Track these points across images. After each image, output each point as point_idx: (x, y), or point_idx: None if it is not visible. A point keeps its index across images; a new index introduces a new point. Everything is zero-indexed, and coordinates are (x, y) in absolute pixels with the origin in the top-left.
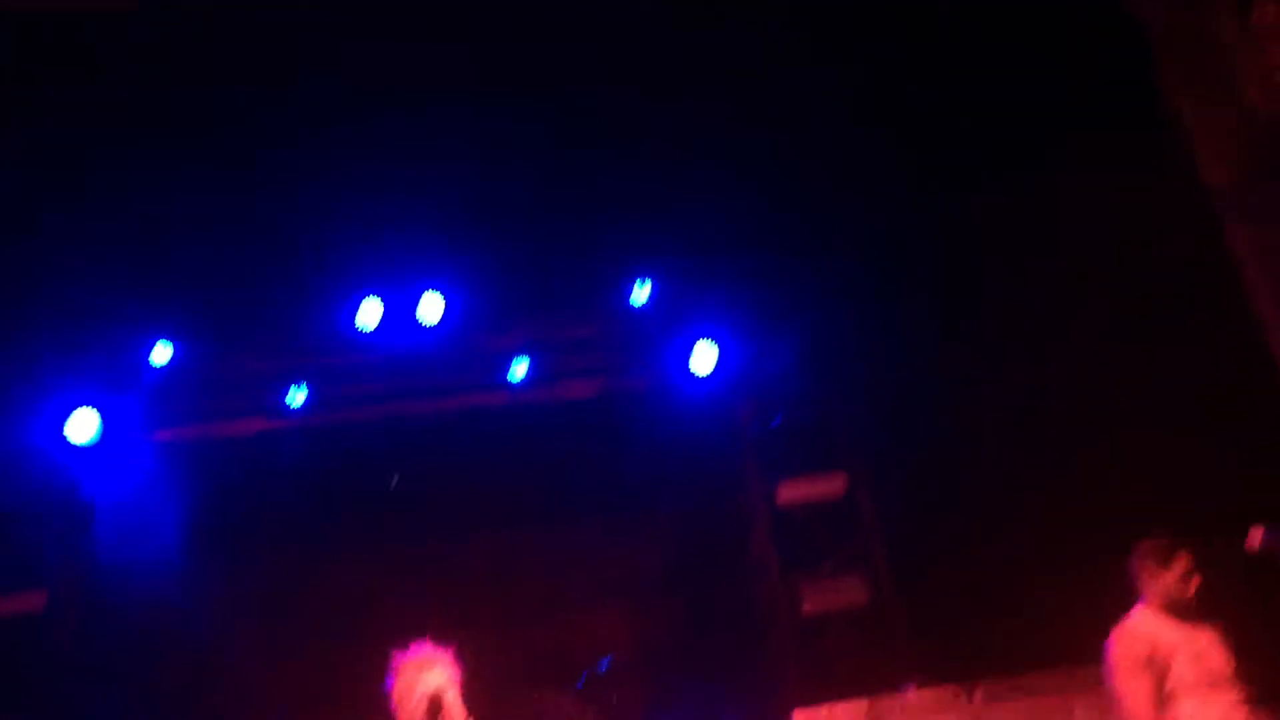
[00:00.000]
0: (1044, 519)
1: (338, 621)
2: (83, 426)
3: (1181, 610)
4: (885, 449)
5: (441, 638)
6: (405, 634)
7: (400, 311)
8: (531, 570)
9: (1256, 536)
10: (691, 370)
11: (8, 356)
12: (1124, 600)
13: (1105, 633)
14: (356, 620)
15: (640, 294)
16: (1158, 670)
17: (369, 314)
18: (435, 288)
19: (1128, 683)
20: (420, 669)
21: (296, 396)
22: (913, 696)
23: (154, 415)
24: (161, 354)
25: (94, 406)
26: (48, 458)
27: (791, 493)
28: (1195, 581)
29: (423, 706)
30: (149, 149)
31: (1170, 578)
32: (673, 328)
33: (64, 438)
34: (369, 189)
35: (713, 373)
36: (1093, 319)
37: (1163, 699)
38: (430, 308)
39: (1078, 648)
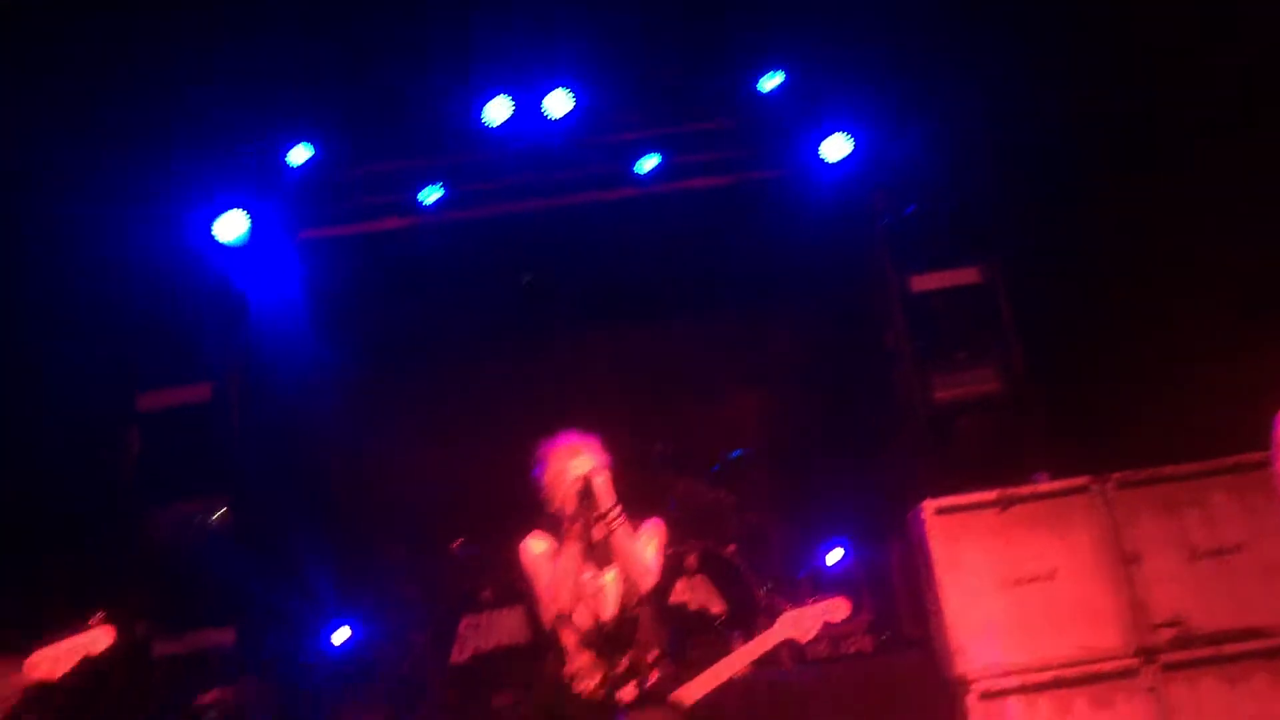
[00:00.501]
0: (1180, 315)
1: (481, 411)
2: (231, 226)
3: None
4: (1020, 239)
5: (585, 426)
6: (547, 422)
7: (529, 109)
8: (668, 359)
9: None
10: (823, 159)
11: (157, 160)
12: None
13: (1242, 429)
14: (499, 409)
15: (770, 82)
16: None
17: (497, 110)
18: (564, 83)
19: None
20: (569, 456)
21: (431, 194)
22: (1045, 485)
23: (298, 215)
24: (301, 155)
25: (241, 207)
26: (200, 258)
27: (926, 283)
28: None
29: (575, 489)
30: None
31: None
32: (804, 117)
33: (214, 238)
34: None
35: (845, 161)
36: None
37: None
38: (558, 103)
39: (1214, 442)
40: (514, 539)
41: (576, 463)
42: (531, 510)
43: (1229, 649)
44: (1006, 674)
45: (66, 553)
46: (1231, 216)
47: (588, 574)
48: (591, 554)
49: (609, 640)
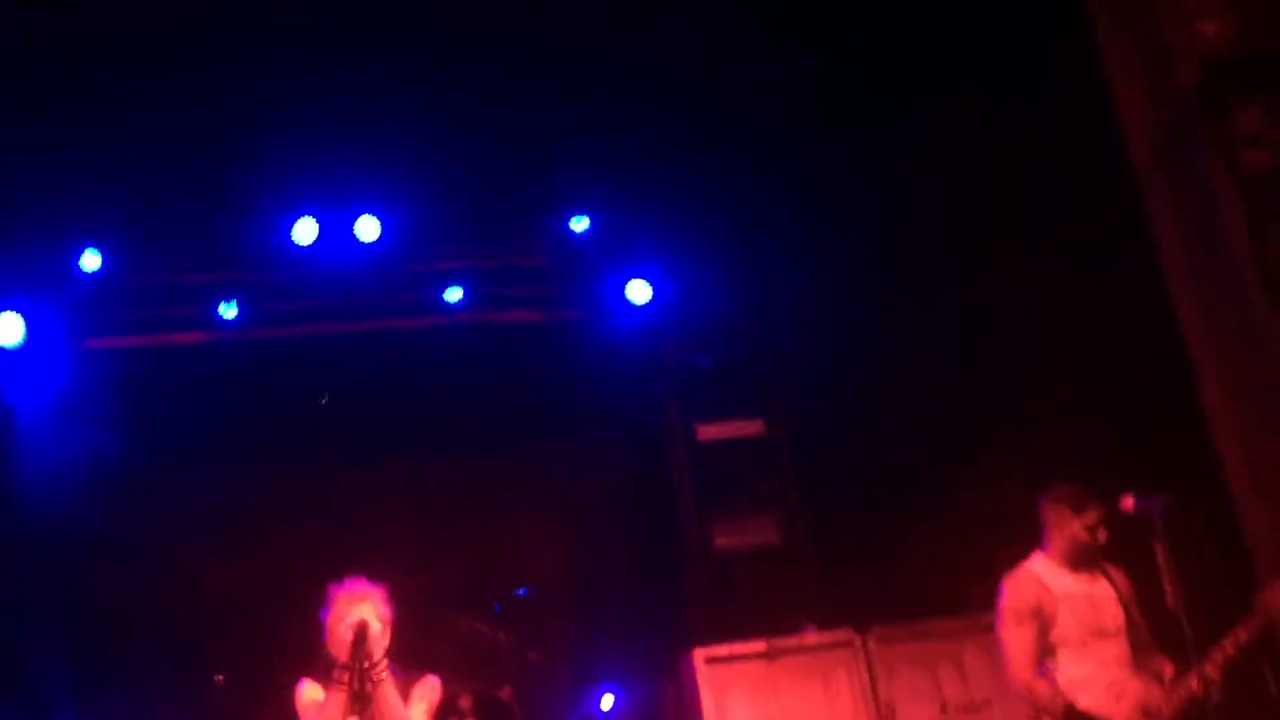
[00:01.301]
0: (954, 473)
1: (265, 534)
2: (6, 330)
3: (1081, 560)
4: (805, 396)
5: (374, 566)
6: (334, 550)
7: (337, 231)
8: (456, 493)
9: (1128, 502)
10: (629, 301)
11: None
12: (1023, 552)
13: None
14: (282, 534)
15: (579, 225)
16: (1044, 619)
17: (305, 231)
18: (374, 209)
19: (1012, 630)
20: (352, 602)
21: (228, 310)
22: (811, 637)
23: (83, 322)
24: (91, 261)
25: (18, 310)
26: None
27: (711, 432)
28: (1102, 535)
29: (349, 635)
30: (95, 49)
31: (1079, 525)
32: (610, 261)
33: None
34: (311, 108)
35: (648, 307)
36: (1017, 276)
37: (1046, 648)
38: (368, 228)
39: (974, 596)
40: (282, 675)
41: (358, 609)
42: (310, 650)
43: None
44: None
45: None
46: (1014, 389)
47: None
48: (356, 705)
49: None
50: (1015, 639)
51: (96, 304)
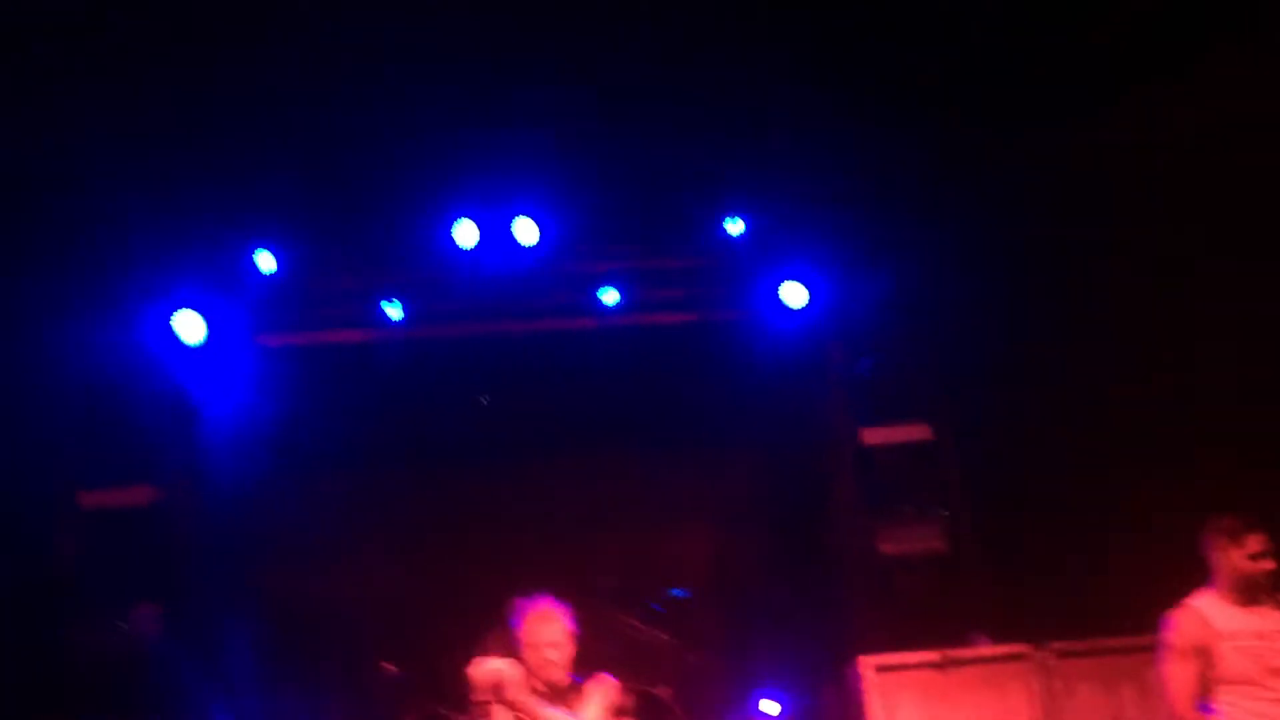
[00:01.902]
0: (1128, 486)
1: (429, 533)
2: (189, 327)
3: (1247, 594)
4: (973, 400)
5: (559, 593)
6: (492, 549)
7: (496, 233)
8: (614, 495)
9: None
10: (783, 304)
11: (118, 258)
12: (1201, 573)
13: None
14: (448, 532)
15: (734, 227)
16: (1206, 657)
17: (466, 234)
18: (531, 212)
19: (1172, 666)
20: (540, 620)
21: (393, 310)
22: (986, 649)
23: (258, 320)
24: (266, 261)
25: (199, 309)
26: (155, 357)
27: (876, 436)
28: (1266, 564)
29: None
30: (266, 52)
31: (1239, 556)
32: (766, 262)
33: (171, 337)
34: (473, 110)
35: (805, 309)
36: (1188, 284)
37: (1208, 685)
38: (527, 230)
39: (1151, 617)
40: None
41: (546, 629)
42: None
43: None
44: None
45: None
46: (1185, 395)
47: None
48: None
49: None
50: (1175, 675)
51: (271, 303)
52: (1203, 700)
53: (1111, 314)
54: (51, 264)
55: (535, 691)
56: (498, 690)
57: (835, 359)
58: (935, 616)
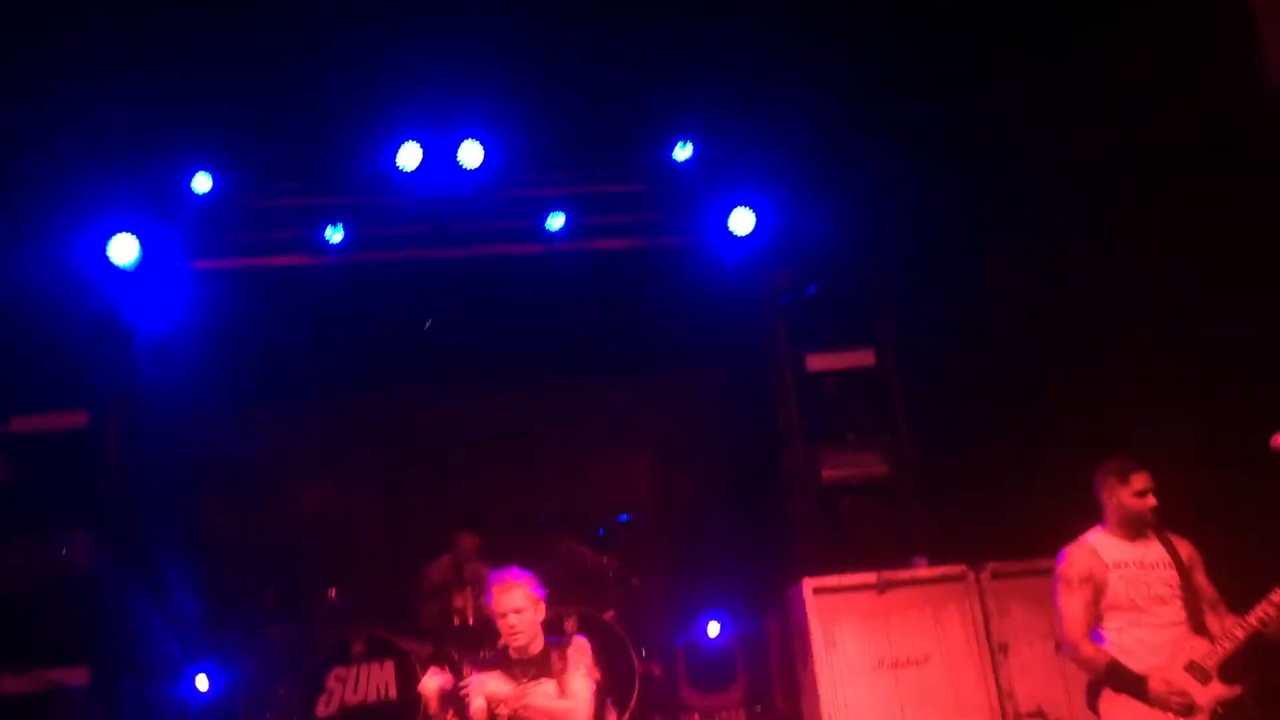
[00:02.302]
0: (1064, 413)
1: (367, 457)
2: (124, 251)
3: (1133, 529)
4: (916, 326)
5: (526, 563)
6: (433, 475)
7: (440, 156)
8: (557, 420)
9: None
10: (730, 231)
11: (51, 180)
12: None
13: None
14: (387, 458)
15: (682, 152)
16: (1096, 586)
17: (409, 156)
18: (477, 135)
19: (1065, 597)
20: (505, 589)
21: (334, 234)
22: (923, 571)
23: (194, 244)
24: (202, 183)
25: (134, 233)
26: (89, 281)
27: (820, 363)
28: (1150, 501)
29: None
30: None
31: (1127, 493)
32: (713, 188)
33: (106, 261)
34: (415, 31)
35: (750, 236)
36: (1138, 207)
37: (1098, 614)
38: (470, 154)
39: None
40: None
41: (510, 596)
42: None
43: None
44: None
45: None
46: (1125, 321)
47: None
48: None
49: None
50: (1068, 605)
51: (207, 227)
52: (1093, 628)
53: (1059, 241)
54: None
55: (512, 662)
56: (445, 697)
57: (781, 285)
58: (876, 541)
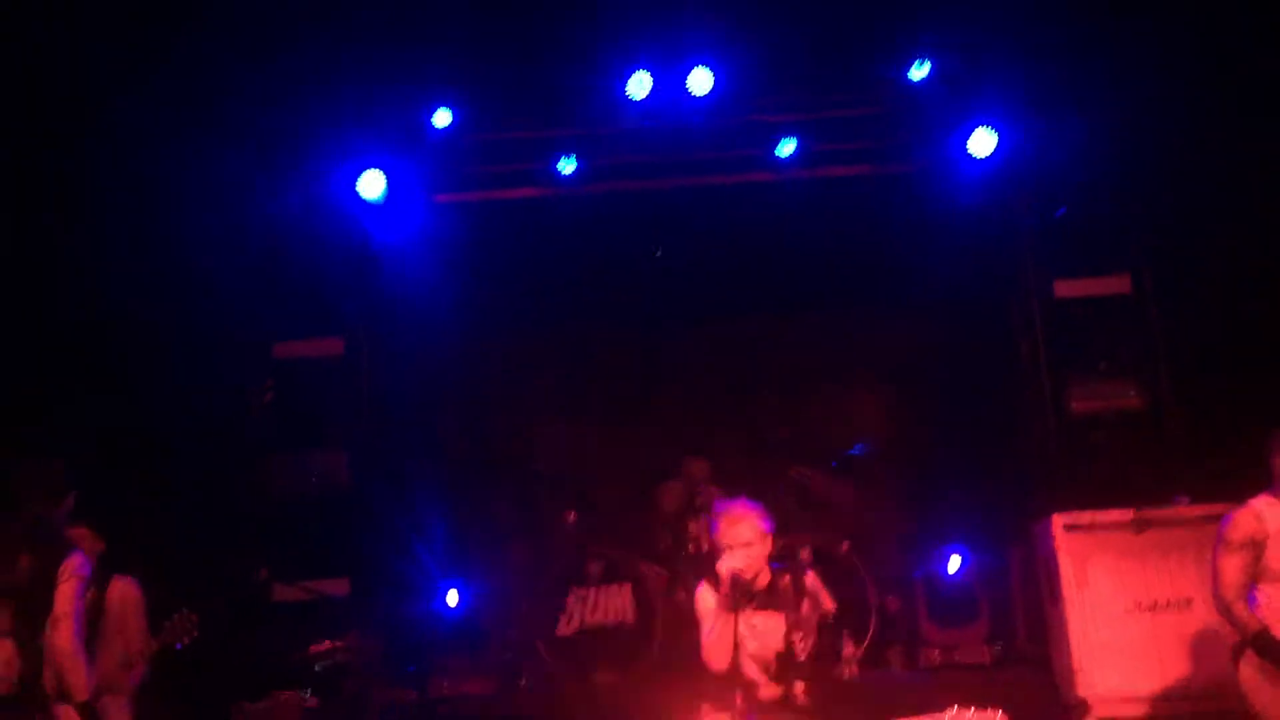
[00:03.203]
0: None
1: (606, 385)
2: (372, 185)
3: None
4: (1176, 252)
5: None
6: (667, 405)
7: (671, 85)
8: (796, 347)
9: None
10: (970, 154)
11: (304, 118)
12: None
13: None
14: (625, 385)
15: (919, 72)
16: (1256, 551)
17: (639, 86)
18: (706, 61)
19: (1225, 559)
20: (733, 523)
21: (567, 165)
22: (1185, 510)
23: (435, 177)
24: (442, 119)
25: (382, 167)
26: (340, 214)
27: (1070, 289)
28: None
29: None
30: None
31: None
32: (952, 109)
33: (356, 196)
34: None
35: (992, 157)
36: None
37: (1254, 578)
38: (701, 81)
39: None
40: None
41: (739, 529)
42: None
43: None
44: (1129, 700)
45: (197, 493)
46: None
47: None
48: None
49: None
50: (1226, 565)
51: (447, 161)
52: (1249, 592)
53: None
54: (246, 133)
55: (738, 593)
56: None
57: (1028, 208)
58: (1131, 478)
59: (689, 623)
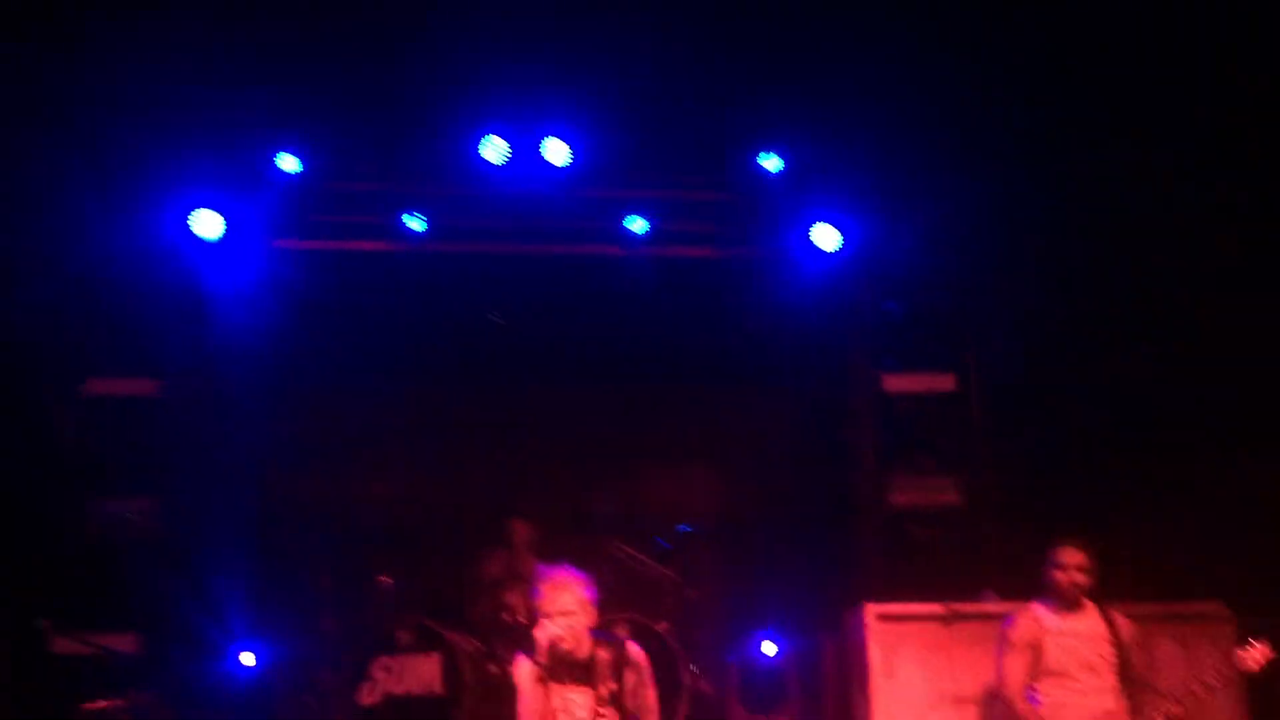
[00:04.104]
0: (1154, 458)
1: (432, 448)
2: (207, 225)
3: (1067, 602)
4: (1002, 353)
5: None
6: (495, 469)
7: (527, 152)
8: (625, 424)
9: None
10: (814, 244)
11: (142, 151)
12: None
13: (1189, 572)
14: (452, 449)
15: (770, 162)
16: (1036, 650)
17: (494, 150)
18: (563, 133)
19: (1007, 657)
20: (556, 590)
21: (415, 223)
22: (992, 605)
23: (277, 222)
24: (290, 164)
25: (219, 208)
26: (171, 252)
27: (899, 384)
28: (1078, 578)
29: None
30: None
31: (1058, 571)
32: (799, 200)
33: (189, 233)
34: (508, 26)
35: (835, 251)
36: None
37: (1035, 675)
38: (557, 152)
39: (1166, 584)
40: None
41: (562, 597)
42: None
43: None
44: None
45: None
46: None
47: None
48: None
49: None
50: (1008, 664)
51: (290, 206)
52: (1030, 688)
53: (1151, 275)
54: (76, 157)
55: (555, 663)
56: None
57: (862, 302)
58: (944, 571)
59: (499, 695)
